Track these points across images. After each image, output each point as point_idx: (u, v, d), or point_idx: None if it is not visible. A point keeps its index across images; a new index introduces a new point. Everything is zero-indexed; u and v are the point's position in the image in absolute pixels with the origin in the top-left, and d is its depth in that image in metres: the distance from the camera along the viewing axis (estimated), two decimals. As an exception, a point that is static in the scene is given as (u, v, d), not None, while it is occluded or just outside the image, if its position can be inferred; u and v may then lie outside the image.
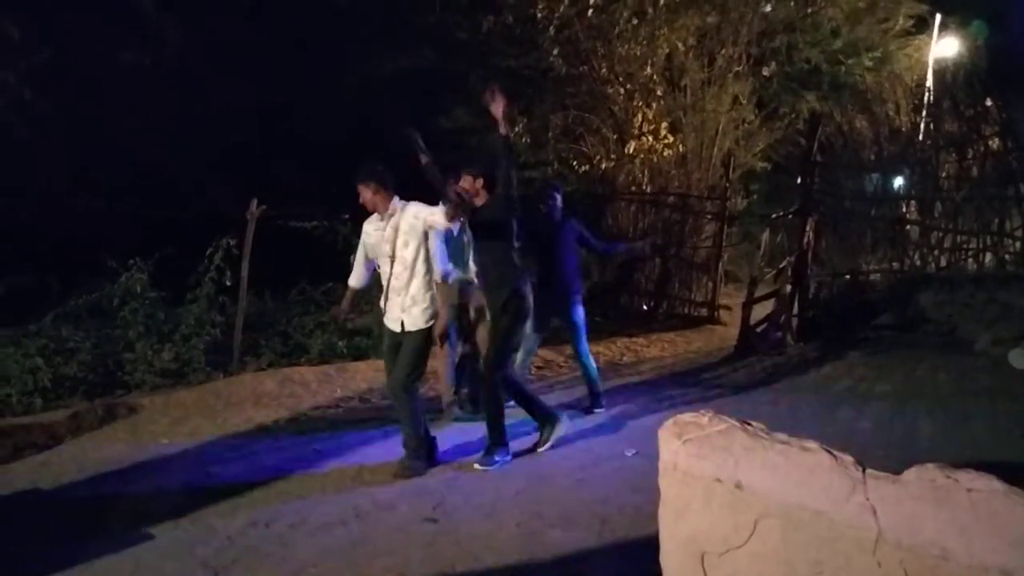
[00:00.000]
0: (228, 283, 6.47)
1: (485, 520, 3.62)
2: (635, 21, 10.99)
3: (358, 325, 7.31)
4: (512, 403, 5.03)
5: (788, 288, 8.60)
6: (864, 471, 1.54)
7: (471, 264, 4.97)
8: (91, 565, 3.09)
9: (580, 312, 5.53)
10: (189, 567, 3.11)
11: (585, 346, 5.60)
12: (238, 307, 6.55)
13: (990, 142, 9.72)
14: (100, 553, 3.18)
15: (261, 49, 11.32)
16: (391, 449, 4.74)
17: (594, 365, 5.71)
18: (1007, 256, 8.93)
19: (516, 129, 11.70)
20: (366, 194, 4.25)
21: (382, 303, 4.36)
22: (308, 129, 11.18)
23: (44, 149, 8.57)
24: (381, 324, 4.48)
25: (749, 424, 1.79)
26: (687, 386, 6.83)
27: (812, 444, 1.65)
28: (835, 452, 1.60)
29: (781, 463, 1.63)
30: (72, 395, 5.66)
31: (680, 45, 11.25)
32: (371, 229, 4.39)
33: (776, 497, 1.62)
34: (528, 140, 11.76)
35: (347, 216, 5.30)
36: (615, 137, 11.62)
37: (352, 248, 7.34)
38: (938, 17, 10.92)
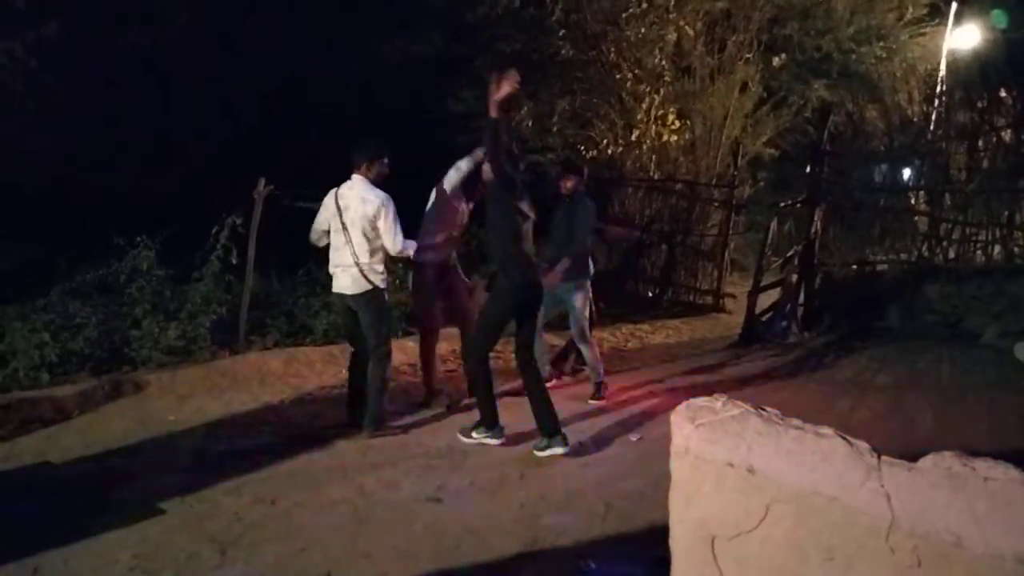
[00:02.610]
0: (234, 262, 6.46)
1: (489, 501, 3.64)
2: (644, 5, 10.89)
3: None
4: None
5: (794, 277, 8.58)
6: (879, 458, 1.53)
7: None
8: (99, 539, 3.11)
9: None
10: (196, 542, 3.13)
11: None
12: (244, 286, 6.54)
13: (1002, 134, 9.63)
14: (108, 527, 3.20)
15: (271, 33, 11.26)
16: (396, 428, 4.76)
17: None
18: (1016, 249, 8.88)
19: (521, 112, 11.64)
20: None
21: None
22: (318, 111, 11.15)
23: (52, 123, 8.55)
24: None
25: (763, 409, 1.78)
26: (691, 373, 6.83)
27: (827, 430, 1.64)
28: (850, 438, 1.60)
29: (795, 448, 1.63)
30: (79, 371, 5.67)
31: (689, 30, 11.15)
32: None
33: (789, 482, 1.62)
34: (530, 124, 11.70)
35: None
36: (623, 123, 11.55)
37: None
38: (953, 5, 10.79)
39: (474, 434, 4.43)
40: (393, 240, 4.43)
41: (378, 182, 4.50)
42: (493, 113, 4.05)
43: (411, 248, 4.54)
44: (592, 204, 5.63)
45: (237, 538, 3.17)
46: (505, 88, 4.01)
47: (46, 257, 6.46)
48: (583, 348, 5.64)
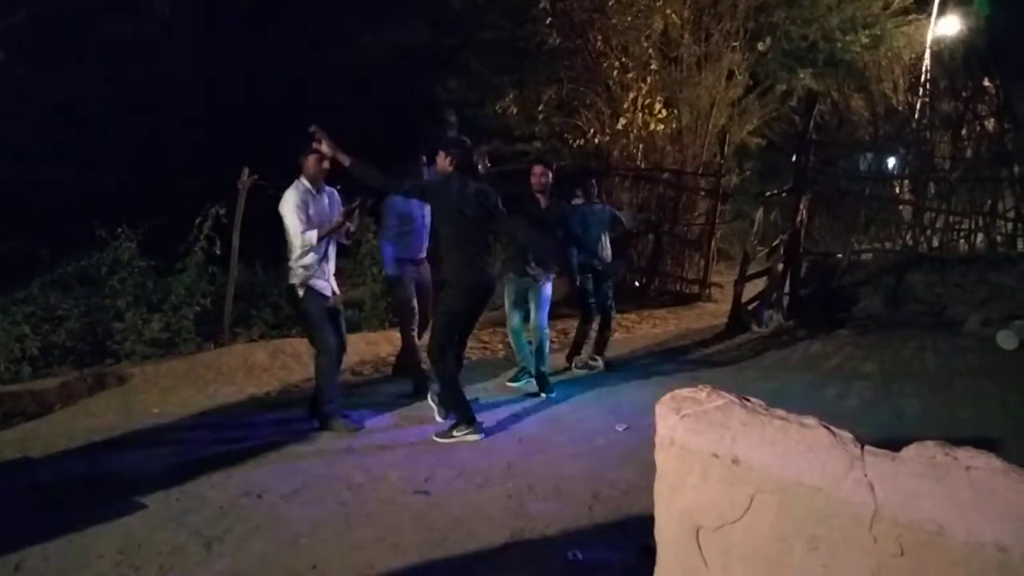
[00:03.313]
0: (218, 252, 6.42)
1: (476, 492, 3.64)
2: (630, -9, 10.85)
3: (349, 298, 7.30)
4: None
5: (780, 266, 8.62)
6: (863, 448, 1.54)
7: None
8: (83, 534, 3.09)
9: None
10: (181, 536, 3.11)
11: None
12: (228, 277, 6.50)
13: (986, 123, 9.71)
14: (91, 522, 3.18)
15: (257, 23, 11.14)
16: (382, 420, 4.75)
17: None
18: (998, 237, 8.95)
19: (507, 100, 11.58)
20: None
21: (323, 271, 4.47)
22: (305, 102, 11.06)
23: (26, 116, 8.39)
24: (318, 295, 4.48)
25: (748, 400, 1.78)
26: (677, 363, 6.85)
27: (811, 420, 1.64)
28: (833, 429, 1.60)
29: (779, 439, 1.63)
30: (61, 364, 5.63)
31: (676, 18, 11.12)
32: (310, 199, 4.45)
33: (773, 473, 1.62)
34: (516, 112, 11.65)
35: (339, 187, 5.32)
36: (610, 111, 11.53)
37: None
38: (938, -6, 10.86)
39: (455, 433, 4.38)
40: (292, 236, 4.37)
41: (318, 177, 4.48)
42: (346, 163, 4.30)
43: (312, 237, 4.36)
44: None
45: (223, 532, 3.16)
46: (326, 149, 4.31)
47: (26, 250, 6.39)
48: (542, 334, 5.52)
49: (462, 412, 4.42)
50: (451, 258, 4.43)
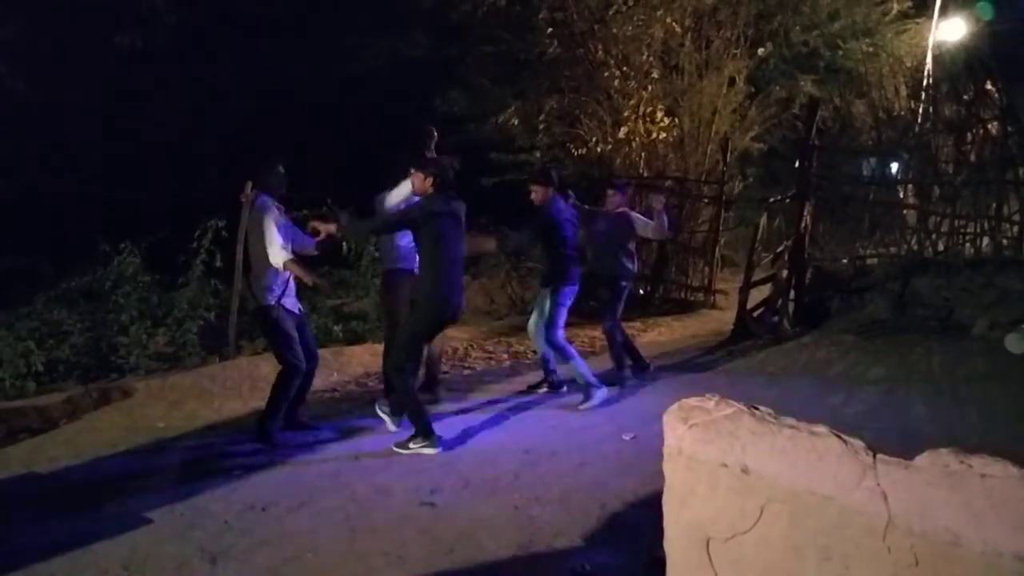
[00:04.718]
0: (219, 265, 6.42)
1: (483, 503, 3.61)
2: (631, 2, 10.89)
3: (353, 309, 7.31)
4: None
5: (785, 272, 8.59)
6: (875, 456, 1.51)
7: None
8: (88, 549, 3.07)
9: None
10: (186, 551, 3.09)
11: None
12: (232, 291, 6.50)
13: (989, 126, 9.68)
14: (97, 537, 3.16)
15: (257, 36, 11.19)
16: (388, 433, 4.73)
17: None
18: (1005, 241, 8.89)
19: (509, 111, 11.61)
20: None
21: (290, 289, 4.52)
22: (306, 114, 11.11)
23: (25, 129, 8.40)
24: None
25: (757, 408, 1.76)
26: (683, 370, 6.82)
27: (821, 429, 1.62)
28: (845, 436, 1.58)
29: (789, 448, 1.61)
30: (66, 379, 5.63)
31: (676, 27, 11.15)
32: (278, 214, 4.52)
33: (784, 482, 1.60)
34: (517, 123, 11.68)
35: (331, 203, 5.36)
36: (611, 120, 11.54)
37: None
38: (939, -1, 10.88)
39: (411, 445, 4.32)
40: (272, 251, 4.36)
41: (275, 193, 4.57)
42: (337, 232, 4.60)
43: (287, 256, 4.36)
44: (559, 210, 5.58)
45: (228, 546, 3.13)
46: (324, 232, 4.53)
47: (30, 265, 6.41)
48: (539, 345, 5.54)
49: (421, 425, 4.36)
50: (426, 277, 4.38)
